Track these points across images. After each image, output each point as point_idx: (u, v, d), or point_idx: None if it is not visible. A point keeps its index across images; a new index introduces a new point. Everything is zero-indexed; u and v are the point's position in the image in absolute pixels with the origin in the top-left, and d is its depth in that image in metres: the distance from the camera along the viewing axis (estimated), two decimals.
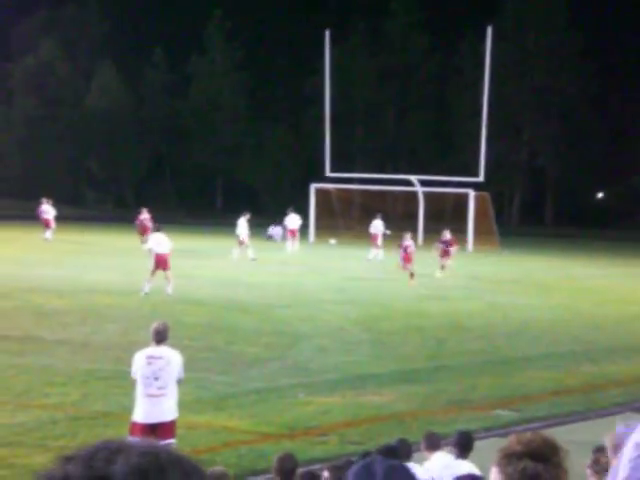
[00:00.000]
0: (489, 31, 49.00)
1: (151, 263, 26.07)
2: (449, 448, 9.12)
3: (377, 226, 42.87)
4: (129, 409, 13.48)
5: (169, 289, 25.71)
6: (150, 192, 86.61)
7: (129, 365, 16.40)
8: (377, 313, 24.28)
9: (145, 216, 42.66)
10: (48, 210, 43.92)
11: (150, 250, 26.28)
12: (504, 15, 74.30)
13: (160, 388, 10.11)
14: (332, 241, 48.10)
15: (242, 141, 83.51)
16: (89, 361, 16.78)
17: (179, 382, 10.37)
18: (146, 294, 25.36)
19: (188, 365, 16.62)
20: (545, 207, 79.35)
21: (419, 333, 21.28)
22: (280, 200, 78.07)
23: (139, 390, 10.19)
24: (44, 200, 44.42)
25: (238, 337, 19.74)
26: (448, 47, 76.69)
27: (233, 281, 30.31)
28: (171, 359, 10.23)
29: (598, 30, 73.17)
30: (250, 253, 37.91)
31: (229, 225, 65.49)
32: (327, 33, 53.57)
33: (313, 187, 53.36)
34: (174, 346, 18.23)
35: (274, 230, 50.84)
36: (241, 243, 38.56)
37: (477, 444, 9.29)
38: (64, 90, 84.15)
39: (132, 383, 14.95)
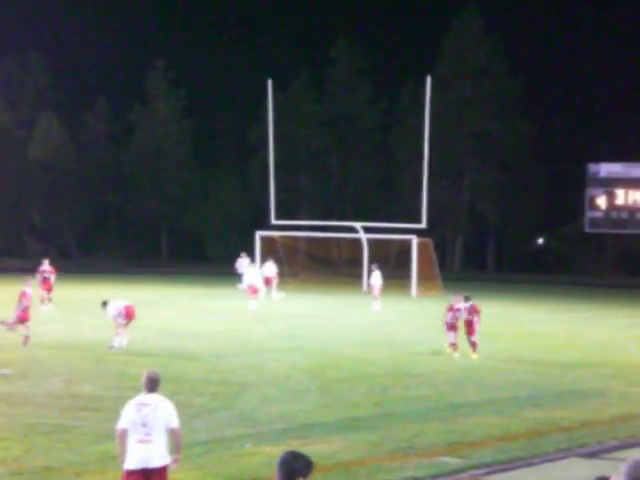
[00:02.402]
0: (428, 80, 49.87)
1: (119, 317, 25.47)
2: None
3: (377, 277, 40.44)
4: (72, 464, 13.31)
5: (123, 342, 25.35)
6: (94, 242, 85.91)
7: (72, 419, 16.28)
8: (324, 361, 24.26)
9: (46, 268, 38.00)
10: None
11: (114, 318, 25.67)
12: (443, 63, 75.59)
13: (147, 434, 10.08)
14: (280, 294, 45.10)
15: (187, 189, 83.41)
16: (31, 415, 16.51)
17: (173, 431, 10.24)
18: (121, 347, 25.00)
19: None
20: (487, 252, 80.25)
21: (366, 380, 21.30)
22: (226, 248, 77.93)
23: (130, 438, 10.13)
24: None
25: (184, 387, 19.58)
26: (390, 95, 77.75)
27: (179, 331, 30.10)
28: (158, 406, 10.23)
29: (536, 77, 74.81)
30: (274, 294, 38.60)
31: (175, 274, 65.34)
32: (269, 81, 54.05)
33: (258, 235, 53.44)
34: (119, 398, 18.05)
35: (240, 262, 49.19)
36: (254, 291, 37.34)
37: None
38: (5, 140, 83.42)
39: (78, 437, 14.77)
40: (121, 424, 10.23)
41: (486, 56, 76.15)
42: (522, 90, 74.94)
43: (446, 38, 77.14)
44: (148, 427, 10.09)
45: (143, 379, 10.56)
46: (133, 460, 10.06)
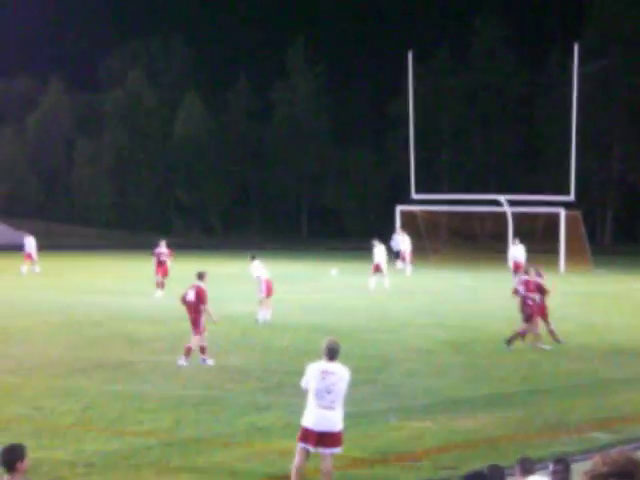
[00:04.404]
0: (576, 48, 48.30)
1: (260, 291, 25.96)
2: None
3: (517, 253, 38.53)
4: (220, 435, 13.52)
5: (267, 316, 25.74)
6: (236, 218, 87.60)
7: (219, 391, 16.55)
8: (468, 336, 23.92)
9: (162, 250, 33.51)
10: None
11: (258, 277, 26.24)
12: (591, 31, 73.20)
13: (332, 402, 10.76)
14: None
15: (326, 165, 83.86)
16: (180, 387, 16.87)
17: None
18: (265, 322, 25.43)
19: (277, 390, 16.63)
20: (638, 224, 77.52)
21: (512, 356, 20.87)
22: (365, 223, 78.11)
23: (311, 400, 10.85)
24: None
25: None
26: (535, 64, 75.86)
27: (321, 305, 30.28)
28: (343, 376, 10.90)
29: None
30: (386, 281, 36.31)
31: (315, 250, 65.92)
32: (410, 54, 53.47)
33: (399, 209, 53.07)
34: (265, 370, 18.28)
35: (395, 239, 48.25)
36: (377, 270, 36.56)
37: (574, 467, 9.01)
38: (151, 120, 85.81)
39: (225, 409, 15.01)
40: (304, 384, 10.97)
41: (635, 23, 73.31)
42: None
43: (593, 4, 74.62)
44: (333, 395, 10.72)
45: (324, 347, 10.99)
46: (314, 422, 10.72)
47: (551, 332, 22.44)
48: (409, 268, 44.07)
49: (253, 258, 27.19)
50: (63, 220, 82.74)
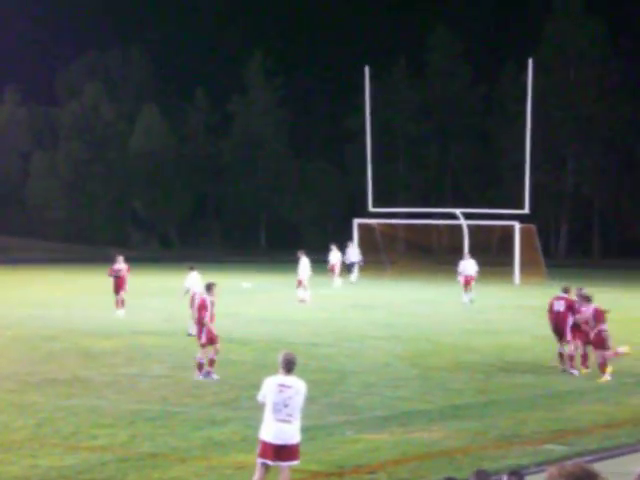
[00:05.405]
0: (530, 63, 48.94)
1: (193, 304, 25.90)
2: None
3: (468, 267, 37.75)
4: (177, 450, 13.47)
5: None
6: (194, 231, 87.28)
7: (175, 405, 16.49)
8: (424, 348, 24.07)
9: (121, 266, 31.52)
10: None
11: (189, 290, 26.06)
12: (545, 46, 74.14)
13: (288, 415, 10.73)
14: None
15: (284, 178, 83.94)
16: (136, 402, 16.78)
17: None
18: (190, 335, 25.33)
19: (234, 404, 16.61)
20: (592, 237, 78.52)
21: (467, 368, 21.03)
22: (323, 235, 78.23)
23: (268, 414, 10.81)
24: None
25: None
26: (490, 79, 76.66)
27: (278, 318, 30.29)
28: (299, 390, 10.88)
29: (638, 58, 72.67)
30: (306, 295, 35.85)
31: (273, 262, 65.85)
32: (366, 68, 53.83)
33: (356, 222, 53.28)
34: (221, 384, 18.25)
35: (350, 252, 48.21)
36: (300, 283, 36.46)
37: (528, 479, 9.10)
38: (109, 133, 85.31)
39: (182, 423, 14.96)
40: (261, 398, 10.89)
41: (588, 38, 74.40)
42: (627, 71, 73.00)
43: (547, 20, 75.65)
44: (290, 408, 10.71)
45: (281, 360, 10.97)
46: (272, 435, 10.70)
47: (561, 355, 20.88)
48: (337, 280, 43.83)
49: (192, 269, 26.99)
50: (18, 234, 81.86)
